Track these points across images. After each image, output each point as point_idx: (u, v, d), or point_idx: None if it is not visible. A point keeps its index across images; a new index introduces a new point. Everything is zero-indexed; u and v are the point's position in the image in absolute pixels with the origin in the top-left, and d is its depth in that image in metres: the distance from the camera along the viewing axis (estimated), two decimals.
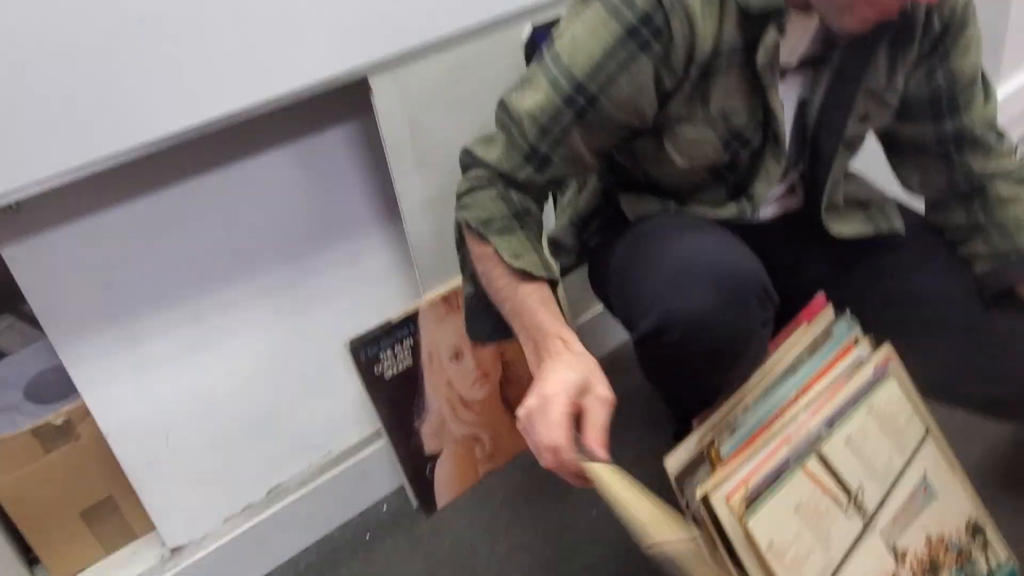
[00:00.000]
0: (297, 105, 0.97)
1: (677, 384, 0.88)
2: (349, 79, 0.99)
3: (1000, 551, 0.93)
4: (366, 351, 1.14)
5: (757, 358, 0.84)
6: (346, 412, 1.26)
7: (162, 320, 1.05)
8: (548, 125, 0.80)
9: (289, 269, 1.14)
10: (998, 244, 0.90)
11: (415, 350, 1.19)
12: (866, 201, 0.99)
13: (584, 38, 0.78)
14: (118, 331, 1.02)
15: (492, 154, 0.83)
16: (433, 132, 1.10)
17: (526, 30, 1.14)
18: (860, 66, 0.83)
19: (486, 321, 0.90)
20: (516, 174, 0.83)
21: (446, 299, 1.21)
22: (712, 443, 0.81)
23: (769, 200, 0.98)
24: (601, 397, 0.69)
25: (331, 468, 1.24)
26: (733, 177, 0.89)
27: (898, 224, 0.96)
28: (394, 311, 1.17)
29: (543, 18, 1.15)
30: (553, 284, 0.82)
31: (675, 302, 0.73)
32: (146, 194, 0.99)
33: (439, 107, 1.10)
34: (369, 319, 1.15)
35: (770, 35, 0.76)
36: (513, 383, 1.31)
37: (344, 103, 1.08)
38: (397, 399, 1.19)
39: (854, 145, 0.93)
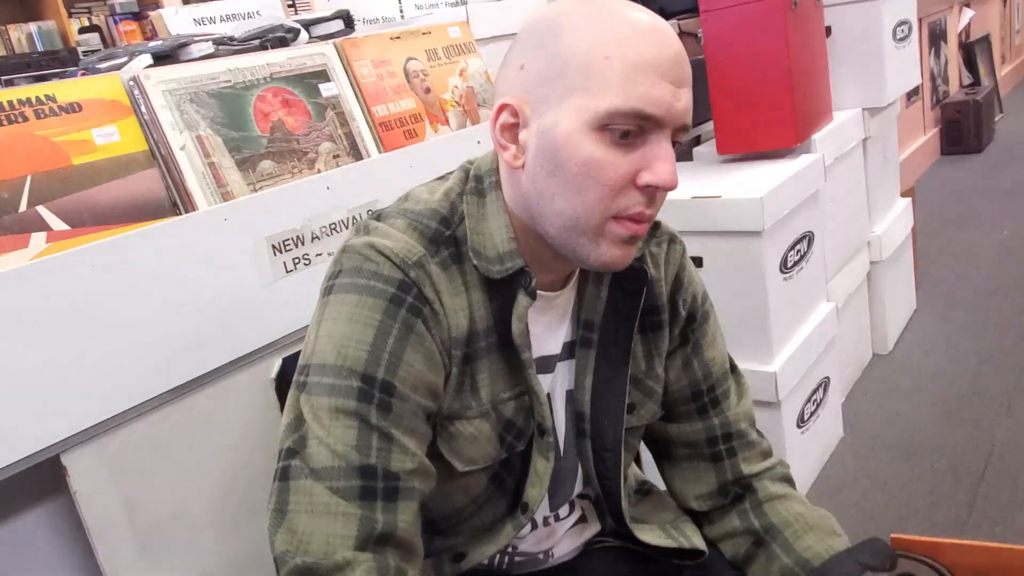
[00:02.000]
0: None
1: None
2: (30, 461, 0.80)
3: None
4: None
5: None
6: None
7: None
8: (361, 439, 0.66)
9: None
10: (784, 561, 0.83)
11: None
12: (661, 518, 0.92)
13: (345, 330, 0.67)
14: None
15: (322, 528, 0.65)
16: (158, 507, 0.91)
17: (276, 365, 1.03)
18: (622, 350, 0.80)
19: None
20: (375, 526, 0.65)
21: None
22: None
23: (561, 533, 0.88)
24: None
25: None
26: (510, 480, 0.79)
27: (698, 542, 0.88)
28: None
29: (293, 350, 1.05)
30: None
31: None
32: None
33: (167, 474, 0.92)
34: None
35: (520, 302, 0.72)
36: None
37: (39, 484, 0.87)
38: None
39: (630, 444, 0.87)
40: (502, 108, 0.70)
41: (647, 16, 0.67)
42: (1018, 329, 2.36)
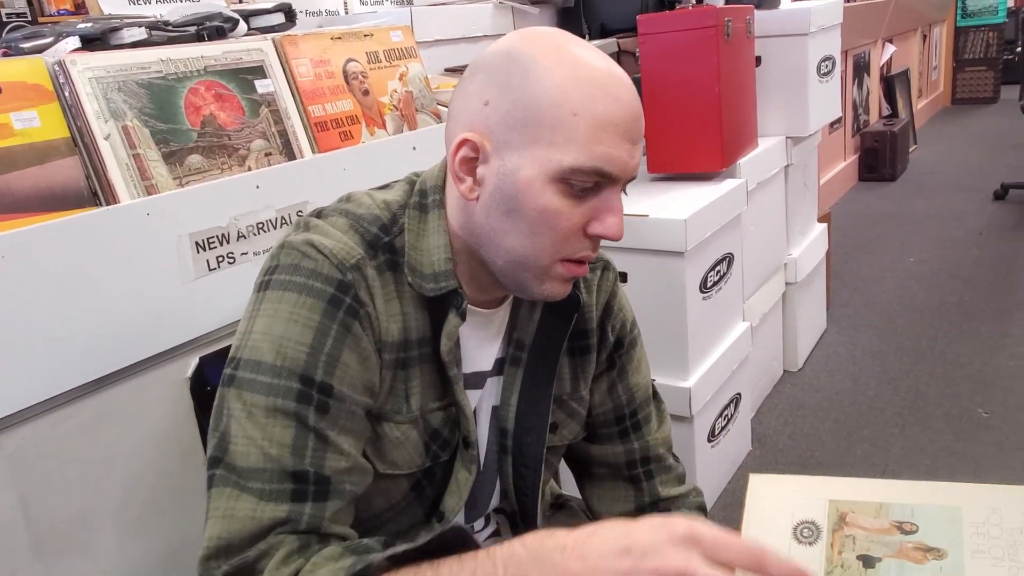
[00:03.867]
0: None
1: None
2: None
3: None
4: None
5: None
6: None
7: None
8: (297, 439, 0.66)
9: None
10: None
11: None
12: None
13: (284, 329, 0.67)
14: None
15: (254, 525, 0.65)
16: (60, 506, 0.88)
17: (192, 364, 1.01)
18: (548, 371, 0.82)
19: None
20: (300, 523, 0.65)
21: None
22: None
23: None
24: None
25: None
26: (430, 489, 0.80)
27: None
28: None
29: (211, 349, 1.03)
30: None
31: None
32: None
33: (70, 474, 0.89)
34: None
35: (451, 321, 0.73)
36: None
37: None
38: None
39: (550, 463, 0.89)
40: (463, 143, 0.70)
41: (607, 67, 0.69)
42: (916, 352, 2.50)
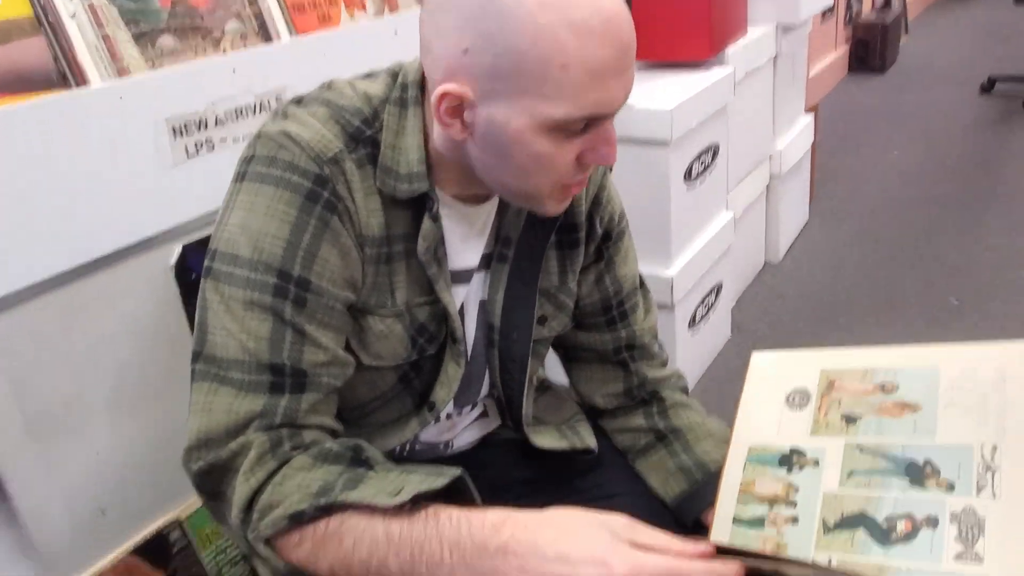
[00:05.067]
0: None
1: None
2: None
3: None
4: None
5: None
6: None
7: None
8: (274, 333, 0.67)
9: None
10: (682, 459, 0.90)
11: None
12: (558, 416, 0.97)
13: (261, 224, 0.67)
14: None
15: (230, 419, 0.66)
16: (51, 390, 0.90)
17: (175, 251, 1.01)
18: (534, 267, 0.82)
19: None
20: (276, 415, 0.66)
21: None
22: None
23: (462, 427, 0.92)
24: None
25: None
26: (418, 381, 0.82)
27: (590, 441, 0.94)
28: None
29: (194, 238, 1.03)
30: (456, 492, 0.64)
31: None
32: None
33: (59, 359, 0.90)
34: None
35: (425, 224, 0.72)
36: None
37: None
38: None
39: (539, 353, 0.91)
40: (444, 95, 0.66)
41: (595, 3, 0.62)
42: (896, 245, 2.54)
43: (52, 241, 0.86)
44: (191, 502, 1.07)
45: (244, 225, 0.68)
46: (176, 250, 1.01)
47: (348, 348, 0.75)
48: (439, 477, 0.62)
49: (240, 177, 0.70)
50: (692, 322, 1.80)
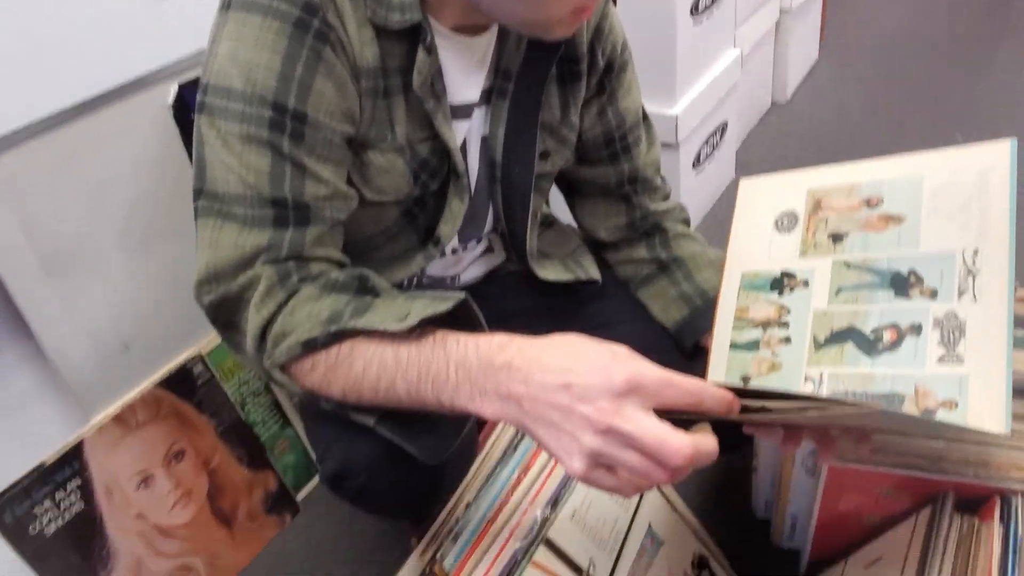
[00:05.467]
0: None
1: (388, 514, 0.79)
2: None
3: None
4: (13, 510, 0.91)
5: (467, 457, 0.77)
6: None
7: None
8: (274, 167, 0.66)
9: None
10: (683, 287, 0.92)
11: (86, 489, 0.98)
12: (562, 250, 0.99)
13: (251, 54, 0.64)
14: None
15: (237, 253, 0.66)
16: (61, 229, 0.91)
17: (172, 90, 0.99)
18: (534, 101, 0.81)
19: (428, 426, 0.68)
20: (282, 249, 0.67)
21: (119, 419, 1.01)
22: (434, 558, 0.73)
23: (468, 261, 0.94)
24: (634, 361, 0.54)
25: None
26: (423, 217, 0.82)
27: (594, 272, 0.96)
28: (49, 446, 0.95)
29: (190, 76, 1.01)
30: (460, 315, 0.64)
31: (354, 444, 0.64)
32: None
33: (64, 198, 0.91)
34: (13, 463, 0.92)
35: (420, 55, 0.70)
36: (225, 491, 1.14)
37: None
38: (68, 555, 0.97)
39: (542, 188, 0.91)
40: None
41: None
42: (904, 81, 2.47)
43: (49, 79, 0.85)
44: (211, 337, 1.11)
45: (233, 56, 0.65)
46: (173, 89, 1.00)
47: (351, 183, 0.74)
48: (444, 301, 0.63)
49: (226, 6, 0.67)
50: (696, 162, 1.79)
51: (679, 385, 0.53)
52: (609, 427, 0.50)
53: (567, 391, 0.52)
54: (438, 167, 0.78)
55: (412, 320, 0.60)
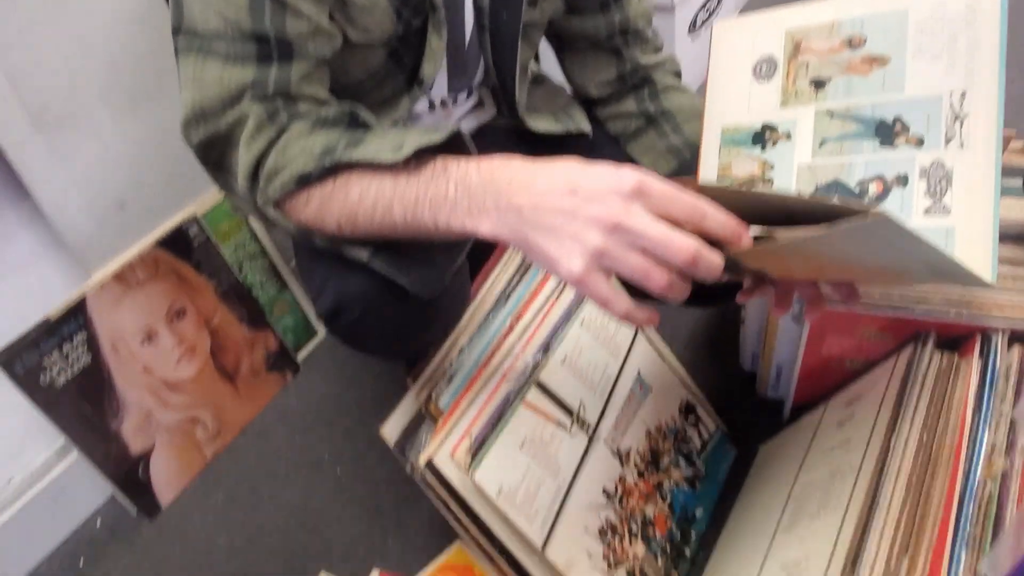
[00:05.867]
0: None
1: (383, 352, 0.81)
2: None
3: (709, 422, 1.00)
4: (22, 361, 0.94)
5: (460, 300, 0.79)
6: (18, 432, 1.05)
7: None
8: (253, 3, 0.64)
9: None
10: (672, 139, 0.92)
11: (91, 343, 1.01)
12: (552, 104, 0.98)
13: None
14: None
15: (222, 90, 0.65)
16: (47, 83, 0.89)
17: None
18: None
19: (421, 259, 0.67)
20: (268, 85, 0.65)
21: (120, 276, 1.03)
22: (429, 397, 0.77)
23: (458, 116, 0.93)
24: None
25: (16, 498, 1.04)
26: (408, 57, 0.81)
27: (584, 125, 0.96)
28: (53, 304, 0.98)
29: None
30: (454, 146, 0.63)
31: (347, 280, 0.65)
32: None
33: (49, 50, 0.89)
34: (18, 320, 0.95)
35: None
36: (227, 349, 1.18)
37: None
38: (80, 405, 1.01)
39: (531, 37, 0.90)
40: None
41: None
42: None
43: None
44: (206, 198, 1.11)
45: None
46: None
47: (336, 24, 0.72)
48: (437, 132, 0.62)
49: None
50: (693, 26, 1.74)
51: (684, 199, 0.52)
52: (617, 224, 0.50)
53: (573, 195, 0.52)
54: (419, 3, 0.76)
55: (407, 150, 0.59)
